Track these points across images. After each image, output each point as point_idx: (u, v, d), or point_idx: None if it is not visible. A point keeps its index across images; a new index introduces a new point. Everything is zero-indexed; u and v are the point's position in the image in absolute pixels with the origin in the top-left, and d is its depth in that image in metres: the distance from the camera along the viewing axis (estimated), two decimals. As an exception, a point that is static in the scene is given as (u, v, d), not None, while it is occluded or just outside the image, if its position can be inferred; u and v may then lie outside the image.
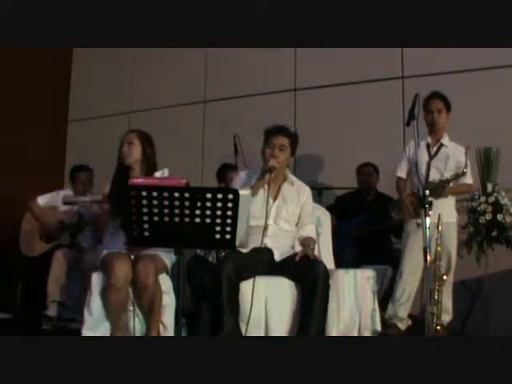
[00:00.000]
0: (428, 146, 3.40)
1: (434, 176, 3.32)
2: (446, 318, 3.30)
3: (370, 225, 4.11)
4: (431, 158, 3.35)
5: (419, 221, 3.28)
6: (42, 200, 4.10)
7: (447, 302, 3.29)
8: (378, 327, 3.16)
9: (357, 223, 4.16)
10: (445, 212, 3.13)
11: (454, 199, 3.46)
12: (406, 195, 3.45)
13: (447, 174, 3.34)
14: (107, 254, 2.78)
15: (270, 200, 3.04)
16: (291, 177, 3.19)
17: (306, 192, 3.19)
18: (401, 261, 3.43)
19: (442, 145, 3.43)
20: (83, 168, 4.27)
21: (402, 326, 3.39)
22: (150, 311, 2.71)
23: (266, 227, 2.92)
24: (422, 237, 2.68)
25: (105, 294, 2.70)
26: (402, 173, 3.54)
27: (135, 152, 2.92)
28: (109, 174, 3.01)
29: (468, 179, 3.41)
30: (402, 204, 3.46)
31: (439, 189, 3.29)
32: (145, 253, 2.76)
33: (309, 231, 3.13)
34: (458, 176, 3.29)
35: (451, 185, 3.33)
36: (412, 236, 3.40)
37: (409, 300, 3.39)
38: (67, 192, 4.22)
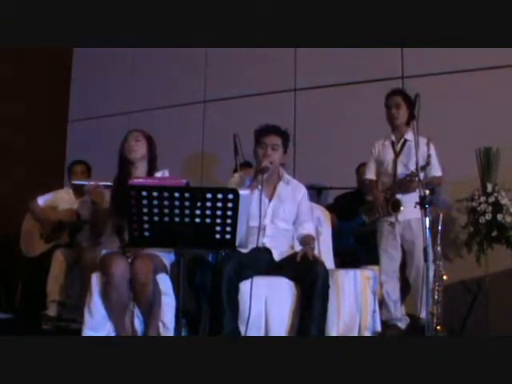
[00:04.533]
0: (393, 144, 3.42)
1: (402, 172, 3.33)
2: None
3: (370, 224, 4.10)
4: (397, 155, 3.38)
5: (392, 219, 3.30)
6: (41, 200, 4.16)
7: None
8: (378, 327, 3.16)
9: (357, 223, 4.15)
10: (409, 209, 3.07)
11: (417, 195, 3.42)
12: (379, 194, 3.45)
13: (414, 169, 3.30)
14: (104, 254, 2.78)
15: (266, 200, 3.03)
16: (286, 176, 3.17)
17: (302, 191, 3.18)
18: (379, 262, 3.44)
19: (406, 140, 3.41)
20: (79, 162, 4.32)
21: (402, 325, 3.40)
22: (149, 310, 2.70)
23: (262, 227, 2.93)
24: (422, 236, 2.69)
25: (105, 295, 2.70)
26: (371, 174, 3.58)
27: (141, 148, 2.93)
28: (109, 174, 3.00)
29: (437, 171, 3.36)
30: (376, 203, 3.45)
31: (407, 184, 3.27)
32: (142, 252, 2.75)
33: (308, 229, 3.11)
34: (423, 168, 3.16)
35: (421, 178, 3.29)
36: (385, 235, 3.42)
37: (397, 299, 3.40)
38: (66, 190, 4.24)
